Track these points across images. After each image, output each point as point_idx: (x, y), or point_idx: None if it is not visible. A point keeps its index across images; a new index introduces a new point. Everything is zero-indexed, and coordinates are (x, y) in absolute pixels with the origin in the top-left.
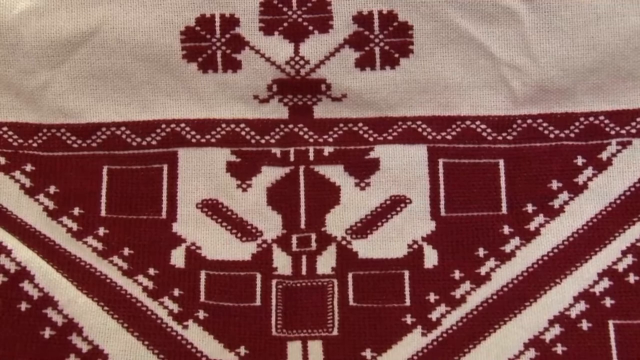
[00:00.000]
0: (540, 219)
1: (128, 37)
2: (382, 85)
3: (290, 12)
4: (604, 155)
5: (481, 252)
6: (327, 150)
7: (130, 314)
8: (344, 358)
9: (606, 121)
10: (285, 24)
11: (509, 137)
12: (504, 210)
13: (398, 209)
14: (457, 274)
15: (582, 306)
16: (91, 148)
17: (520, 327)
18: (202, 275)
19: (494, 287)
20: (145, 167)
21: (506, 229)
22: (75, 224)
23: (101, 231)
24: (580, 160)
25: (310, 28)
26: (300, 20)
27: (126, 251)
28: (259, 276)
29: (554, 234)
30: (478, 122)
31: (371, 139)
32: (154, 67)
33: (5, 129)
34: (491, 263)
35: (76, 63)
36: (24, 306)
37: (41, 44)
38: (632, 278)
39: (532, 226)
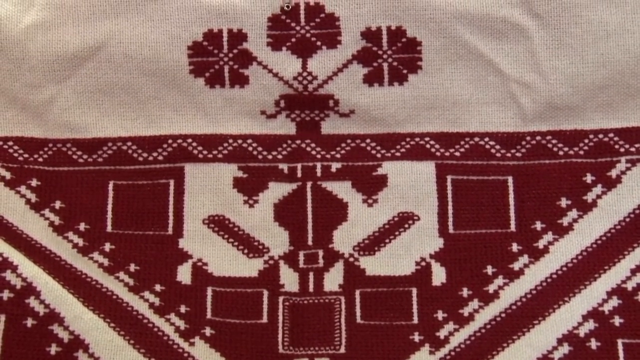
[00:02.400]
0: (549, 236)
1: (135, 51)
2: (390, 101)
3: (298, 28)
4: (614, 173)
5: (489, 269)
6: (335, 166)
7: (136, 330)
8: None
9: (615, 138)
10: (293, 40)
11: (518, 154)
12: (513, 227)
13: (406, 225)
14: (465, 292)
15: (591, 325)
16: (97, 163)
17: (529, 346)
18: (209, 291)
19: (503, 305)
20: (152, 182)
21: (515, 247)
22: (81, 240)
23: (107, 247)
24: (589, 178)
25: (319, 43)
26: (308, 35)
27: (132, 267)
28: (265, 293)
29: (562, 252)
30: (487, 139)
31: (379, 155)
32: (161, 82)
33: (10, 143)
34: (499, 281)
35: (82, 78)
36: (30, 322)
37: (47, 58)
38: None
39: (541, 244)
